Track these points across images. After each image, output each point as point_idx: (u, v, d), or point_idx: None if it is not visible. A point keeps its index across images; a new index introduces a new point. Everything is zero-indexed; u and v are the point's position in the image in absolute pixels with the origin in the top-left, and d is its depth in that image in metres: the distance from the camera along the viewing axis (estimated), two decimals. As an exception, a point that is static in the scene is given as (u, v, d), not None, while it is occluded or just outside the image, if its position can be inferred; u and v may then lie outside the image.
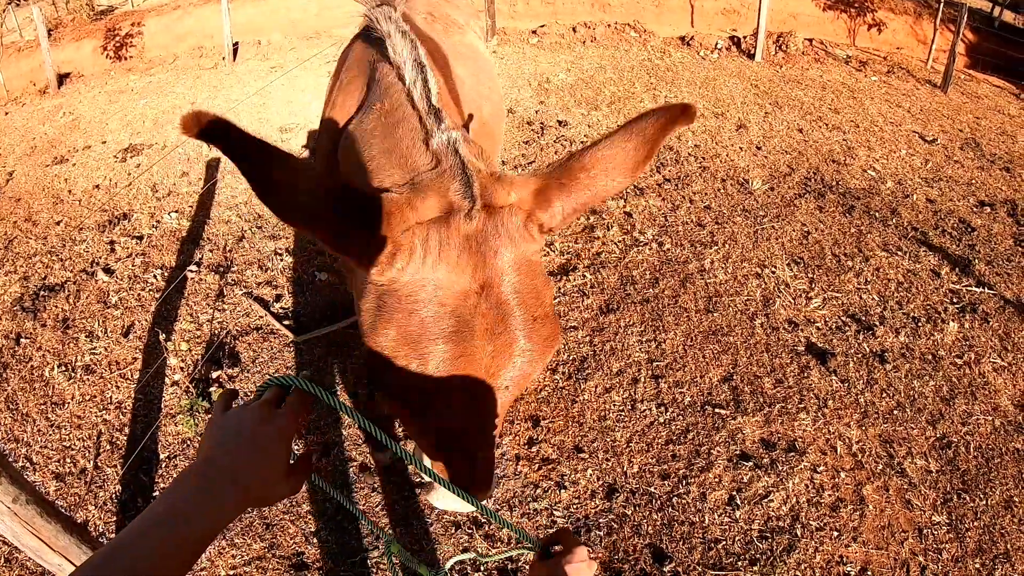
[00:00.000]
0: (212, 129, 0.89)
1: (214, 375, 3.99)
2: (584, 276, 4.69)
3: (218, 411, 1.06)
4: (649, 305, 4.43)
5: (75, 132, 8.33)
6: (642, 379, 3.88)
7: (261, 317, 4.46)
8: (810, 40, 12.13)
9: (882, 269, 5.17)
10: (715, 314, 4.37)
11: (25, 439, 3.85)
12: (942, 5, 13.67)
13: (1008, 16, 21.93)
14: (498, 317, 1.25)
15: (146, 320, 4.68)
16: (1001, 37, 16.08)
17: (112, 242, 5.55)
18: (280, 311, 4.54)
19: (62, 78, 10.92)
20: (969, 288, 5.14)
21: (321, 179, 1.10)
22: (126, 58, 11.98)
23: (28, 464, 3.70)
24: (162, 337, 4.15)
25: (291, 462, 1.09)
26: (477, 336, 1.22)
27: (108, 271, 5.18)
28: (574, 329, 4.18)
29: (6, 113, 9.85)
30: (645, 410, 3.71)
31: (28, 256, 5.51)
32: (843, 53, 11.89)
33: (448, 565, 1.45)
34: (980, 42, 15.86)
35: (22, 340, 4.57)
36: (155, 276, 5.13)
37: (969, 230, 6.10)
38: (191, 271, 5.09)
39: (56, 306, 4.83)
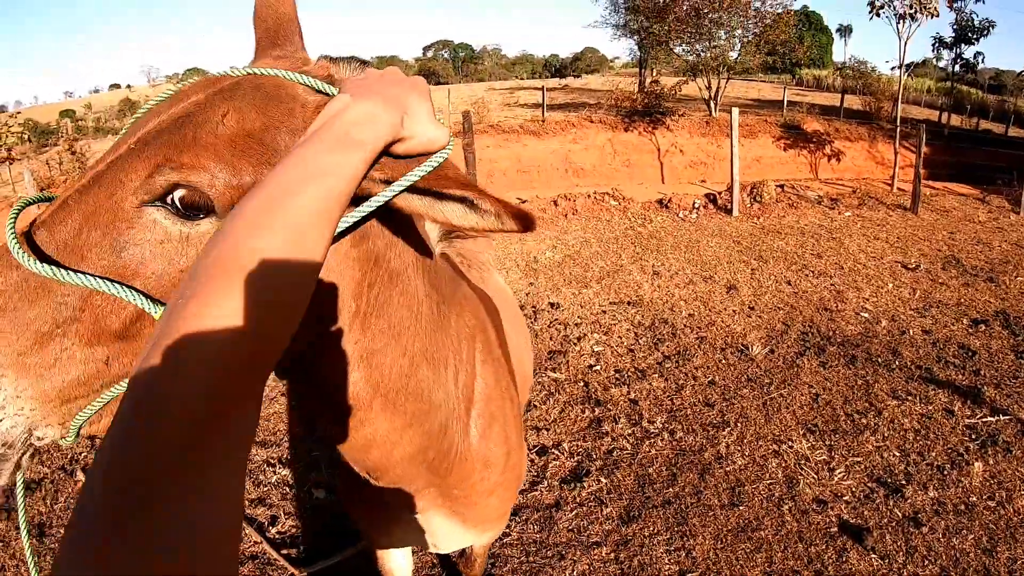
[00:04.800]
0: None
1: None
2: (599, 480, 4.48)
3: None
4: (672, 507, 4.20)
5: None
6: (678, 594, 3.66)
7: (257, 544, 3.98)
8: (781, 186, 12.42)
9: (896, 420, 5.03)
10: (741, 507, 4.16)
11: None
12: (899, 127, 14.12)
13: (956, 120, 22.67)
14: None
15: (126, 528, 4.32)
16: (952, 145, 16.56)
17: (92, 436, 5.26)
18: (276, 537, 4.07)
19: (53, 238, 11.05)
20: (985, 419, 5.01)
21: None
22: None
23: None
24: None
25: None
26: None
27: (87, 470, 4.75)
28: (597, 546, 3.93)
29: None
30: (686, 629, 3.47)
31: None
32: (814, 194, 12.16)
33: None
34: (934, 154, 16.34)
35: (-7, 543, 4.10)
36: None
37: (970, 355, 6.03)
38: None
39: (31, 507, 4.34)
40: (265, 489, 4.47)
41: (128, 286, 0.90)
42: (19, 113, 35.71)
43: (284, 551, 3.92)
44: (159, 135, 0.94)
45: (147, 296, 0.91)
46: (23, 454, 0.95)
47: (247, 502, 4.35)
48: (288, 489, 4.47)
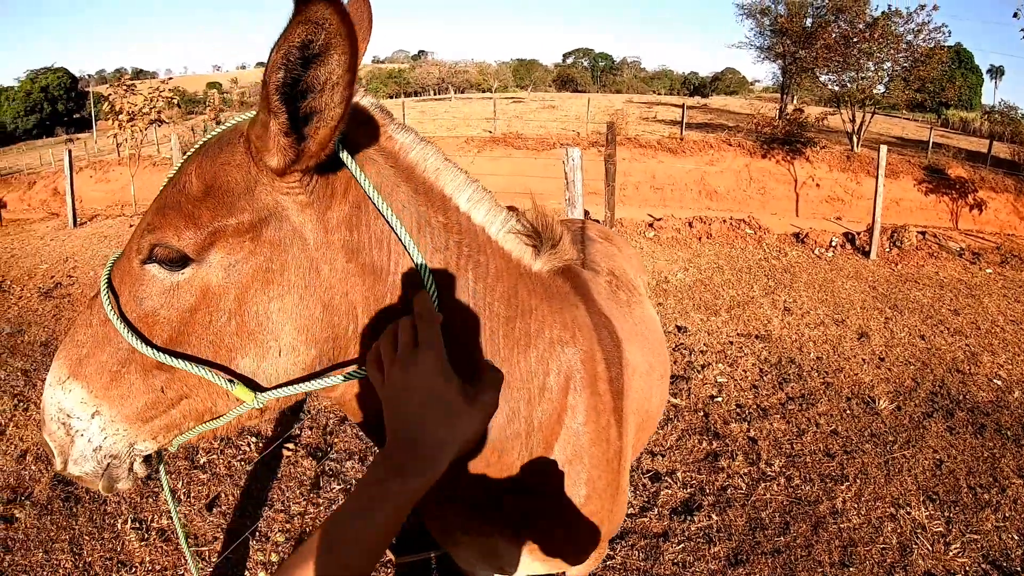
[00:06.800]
0: None
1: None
2: (710, 516, 4.43)
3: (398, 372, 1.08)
4: (781, 557, 4.09)
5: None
6: (781, 648, 3.62)
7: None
8: (923, 233, 11.83)
9: (1020, 500, 4.74)
10: (851, 568, 4.02)
11: (81, 591, 3.54)
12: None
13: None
14: None
15: (234, 494, 4.30)
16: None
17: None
18: (377, 518, 4.12)
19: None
20: (1115, 517, 4.67)
21: None
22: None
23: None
24: (250, 534, 3.76)
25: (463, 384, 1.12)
26: None
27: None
28: (704, 584, 3.92)
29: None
30: None
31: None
32: (956, 246, 11.53)
33: None
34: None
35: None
36: (249, 444, 4.87)
37: (1106, 441, 5.62)
38: (287, 449, 4.72)
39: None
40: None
41: (181, 355, 1.11)
42: (170, 79, 37.42)
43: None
44: (154, 203, 1.15)
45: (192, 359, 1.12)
46: (133, 462, 1.22)
47: (353, 481, 4.41)
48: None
